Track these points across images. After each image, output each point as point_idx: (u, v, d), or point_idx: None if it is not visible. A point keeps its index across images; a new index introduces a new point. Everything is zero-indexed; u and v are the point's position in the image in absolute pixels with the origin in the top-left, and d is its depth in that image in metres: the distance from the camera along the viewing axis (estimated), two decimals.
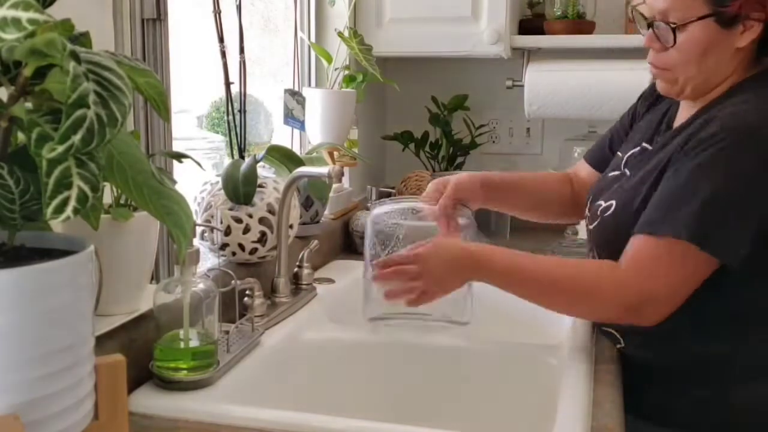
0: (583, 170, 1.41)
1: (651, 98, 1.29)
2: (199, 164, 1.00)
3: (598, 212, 1.19)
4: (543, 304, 1.10)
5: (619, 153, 1.27)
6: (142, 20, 1.05)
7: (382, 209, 1.20)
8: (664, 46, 1.09)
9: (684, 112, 1.17)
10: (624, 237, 1.08)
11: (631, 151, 1.23)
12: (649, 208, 1.06)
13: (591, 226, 1.22)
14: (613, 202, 1.16)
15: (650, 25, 1.10)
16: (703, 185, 1.01)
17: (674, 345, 1.11)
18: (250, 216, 1.27)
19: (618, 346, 1.18)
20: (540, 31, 2.02)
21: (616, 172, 1.23)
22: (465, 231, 1.21)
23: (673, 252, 1.02)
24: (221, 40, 1.28)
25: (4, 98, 0.63)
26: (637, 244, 1.05)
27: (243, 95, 1.37)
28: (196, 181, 1.33)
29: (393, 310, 1.16)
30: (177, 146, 1.15)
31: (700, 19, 1.05)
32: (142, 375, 0.97)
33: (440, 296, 1.11)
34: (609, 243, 1.14)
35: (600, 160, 1.36)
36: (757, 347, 1.09)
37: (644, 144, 1.20)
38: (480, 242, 1.14)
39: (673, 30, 1.07)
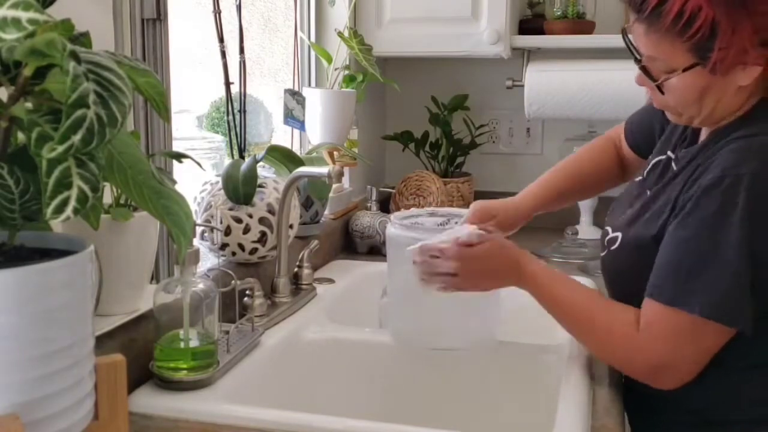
0: (624, 143, 1.35)
1: None
2: (199, 164, 1.00)
3: (606, 242, 1.16)
4: (567, 331, 1.10)
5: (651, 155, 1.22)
6: (142, 20, 1.05)
7: (403, 231, 1.17)
8: (658, 88, 1.02)
9: None
10: (628, 274, 1.07)
11: (658, 158, 1.17)
12: (659, 270, 0.99)
13: (602, 254, 1.18)
14: (619, 235, 1.12)
15: (639, 62, 1.03)
16: (706, 248, 0.96)
17: None
18: (250, 216, 1.27)
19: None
20: (540, 31, 2.02)
21: (639, 178, 1.20)
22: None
23: (689, 326, 0.96)
24: (221, 40, 1.28)
25: (4, 98, 0.63)
26: (651, 310, 0.99)
27: (243, 95, 1.37)
28: (196, 181, 1.33)
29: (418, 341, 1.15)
30: (177, 146, 1.15)
31: (685, 70, 0.98)
32: (142, 375, 0.97)
33: (471, 291, 1.10)
34: (619, 275, 1.13)
35: (642, 144, 1.29)
36: None
37: (669, 153, 1.15)
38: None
39: (659, 84, 1.01)
